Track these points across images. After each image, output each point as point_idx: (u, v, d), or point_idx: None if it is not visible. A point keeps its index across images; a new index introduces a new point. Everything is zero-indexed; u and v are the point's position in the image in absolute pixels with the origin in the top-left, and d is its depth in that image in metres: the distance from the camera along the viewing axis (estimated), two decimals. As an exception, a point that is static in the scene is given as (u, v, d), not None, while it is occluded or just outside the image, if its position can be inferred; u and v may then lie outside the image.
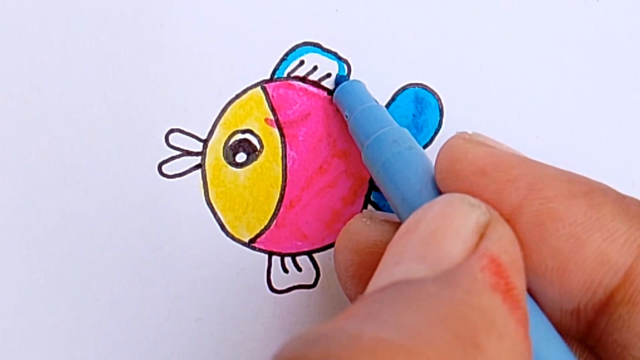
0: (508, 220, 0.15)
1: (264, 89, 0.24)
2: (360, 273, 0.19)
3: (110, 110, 0.24)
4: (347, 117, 0.23)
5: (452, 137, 0.17)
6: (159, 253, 0.24)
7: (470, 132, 0.18)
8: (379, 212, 0.21)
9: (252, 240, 0.24)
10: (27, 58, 0.23)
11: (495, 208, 0.15)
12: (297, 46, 0.24)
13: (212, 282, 0.24)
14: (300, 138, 0.24)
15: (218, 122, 0.24)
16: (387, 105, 0.24)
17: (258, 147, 0.24)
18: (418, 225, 0.15)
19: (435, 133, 0.24)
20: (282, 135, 0.24)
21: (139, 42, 0.23)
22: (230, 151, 0.24)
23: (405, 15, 0.24)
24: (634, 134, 0.25)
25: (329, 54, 0.24)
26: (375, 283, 0.14)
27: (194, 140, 0.24)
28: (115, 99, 0.23)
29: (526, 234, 0.15)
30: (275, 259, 0.24)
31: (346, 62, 0.24)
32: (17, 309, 0.24)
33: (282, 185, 0.24)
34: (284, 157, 0.24)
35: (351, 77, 0.24)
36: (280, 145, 0.24)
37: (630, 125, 0.25)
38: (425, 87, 0.24)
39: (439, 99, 0.24)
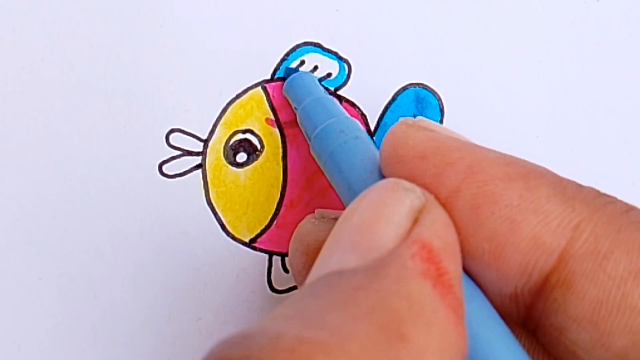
0: (446, 204, 0.15)
1: (265, 89, 0.24)
2: None
3: (111, 110, 0.24)
4: (295, 109, 0.23)
5: (396, 124, 0.17)
6: (160, 253, 0.24)
7: (417, 118, 0.18)
8: (330, 210, 0.20)
9: (253, 240, 0.24)
10: (27, 57, 0.23)
11: (434, 192, 0.15)
12: (298, 46, 0.24)
13: (213, 282, 0.24)
14: (301, 138, 0.24)
15: (219, 122, 0.24)
16: (388, 105, 0.24)
17: (259, 147, 0.24)
18: (353, 214, 0.15)
19: (436, 133, 0.24)
20: (282, 135, 0.24)
21: (139, 41, 0.23)
22: (231, 151, 0.24)
23: (405, 15, 0.24)
24: (635, 134, 0.25)
25: (330, 54, 0.24)
26: (311, 276, 0.14)
27: (194, 140, 0.24)
28: (116, 98, 0.23)
29: (463, 217, 0.15)
30: (276, 259, 0.24)
31: (346, 61, 0.24)
32: (17, 309, 0.24)
33: (282, 185, 0.24)
34: (285, 157, 0.24)
35: (351, 77, 0.24)
36: (280, 145, 0.24)
37: (631, 125, 0.25)
38: (425, 87, 0.24)
39: (439, 99, 0.24)
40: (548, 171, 0.15)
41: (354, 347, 0.11)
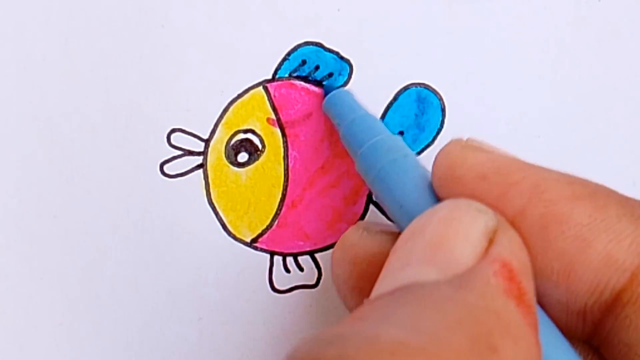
0: (512, 225, 0.15)
1: (266, 89, 0.24)
2: (360, 285, 0.19)
3: (112, 110, 0.24)
4: (338, 125, 0.23)
5: (449, 144, 0.17)
6: (161, 253, 0.24)
7: (465, 137, 0.18)
8: (375, 222, 0.21)
9: (254, 240, 0.24)
10: (28, 57, 0.23)
11: (499, 213, 0.15)
12: (299, 46, 0.24)
13: (214, 282, 0.24)
14: (302, 138, 0.24)
15: (220, 121, 0.24)
16: (389, 105, 0.24)
17: (260, 146, 0.24)
18: (424, 230, 0.15)
19: (438, 133, 0.24)
20: (283, 135, 0.24)
21: (140, 41, 0.23)
22: (232, 151, 0.24)
23: (407, 15, 0.24)
24: (636, 133, 0.25)
25: (331, 54, 0.24)
26: (381, 287, 0.14)
27: (195, 140, 0.24)
28: (117, 98, 0.23)
29: (531, 237, 0.15)
30: (277, 259, 0.24)
31: (348, 61, 0.24)
32: (18, 308, 0.24)
33: (284, 185, 0.24)
34: (286, 156, 0.24)
35: (353, 77, 0.24)
36: (282, 145, 0.24)
37: (632, 125, 0.25)
38: (427, 87, 0.24)
39: (441, 99, 0.24)
40: (614, 191, 0.16)
41: (451, 355, 0.12)
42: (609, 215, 0.15)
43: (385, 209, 0.19)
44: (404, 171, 0.18)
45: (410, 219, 0.16)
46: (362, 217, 0.24)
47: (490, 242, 0.14)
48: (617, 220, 0.15)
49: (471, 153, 0.17)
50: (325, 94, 0.24)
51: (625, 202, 0.15)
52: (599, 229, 0.15)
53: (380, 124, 0.22)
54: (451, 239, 0.14)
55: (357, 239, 0.19)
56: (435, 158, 0.17)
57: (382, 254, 0.18)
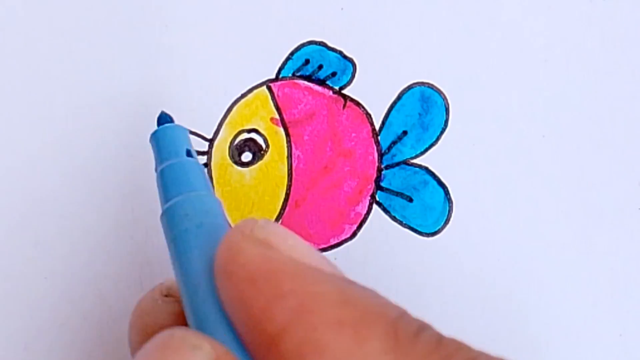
0: (272, 344, 0.13)
1: (270, 88, 0.24)
2: None
3: (116, 110, 0.24)
4: (155, 169, 0.20)
5: (233, 229, 0.15)
6: (165, 252, 0.24)
7: (259, 222, 0.15)
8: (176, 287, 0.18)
9: (258, 240, 0.24)
10: (31, 57, 0.23)
11: (263, 327, 0.14)
12: (302, 45, 0.24)
13: (218, 282, 0.24)
14: (306, 137, 0.24)
15: (224, 121, 0.24)
16: (393, 104, 0.24)
17: (263, 146, 0.24)
18: None
19: (442, 132, 0.24)
20: (287, 134, 0.24)
21: (144, 42, 0.23)
22: (236, 151, 0.24)
23: (410, 14, 0.24)
24: (641, 133, 0.25)
25: (334, 53, 0.24)
26: None
27: (199, 139, 0.24)
28: (121, 98, 0.23)
29: None
30: (281, 259, 0.24)
31: (351, 60, 0.24)
32: (23, 308, 0.24)
33: (287, 185, 0.24)
34: (290, 156, 0.24)
35: (356, 76, 0.24)
36: (285, 144, 0.24)
37: (637, 124, 0.25)
38: (431, 86, 0.24)
39: (444, 98, 0.24)
40: (386, 312, 0.14)
41: None
42: (367, 352, 0.13)
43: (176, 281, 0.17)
44: (193, 247, 0.16)
45: (190, 306, 0.15)
46: (366, 217, 0.24)
47: None
48: (374, 358, 0.13)
49: (248, 247, 0.14)
50: (158, 124, 0.21)
51: (391, 332, 0.13)
52: None
53: (197, 177, 0.18)
54: None
55: (149, 307, 0.18)
56: (221, 241, 0.15)
57: (174, 323, 0.17)
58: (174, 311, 0.17)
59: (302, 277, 0.14)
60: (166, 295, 0.18)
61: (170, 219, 0.17)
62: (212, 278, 0.15)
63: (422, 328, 0.13)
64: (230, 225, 0.16)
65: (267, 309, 0.13)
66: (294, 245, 0.15)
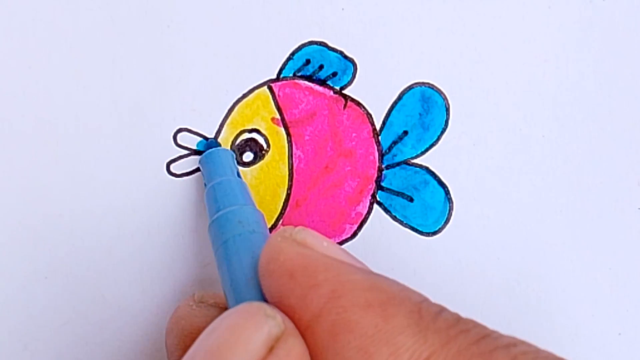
0: (308, 328, 0.15)
1: (271, 88, 0.24)
2: None
3: (119, 110, 0.24)
4: (205, 185, 0.22)
5: (275, 234, 0.17)
6: (167, 251, 0.24)
7: (297, 228, 0.17)
8: (211, 294, 0.21)
9: (259, 240, 0.24)
10: (34, 58, 0.23)
11: (299, 314, 0.15)
12: (303, 45, 0.24)
13: (218, 281, 0.24)
14: (307, 137, 0.24)
15: (225, 121, 0.24)
16: (394, 104, 0.24)
17: (265, 146, 0.24)
18: (210, 336, 0.15)
19: (442, 132, 0.24)
20: (288, 134, 0.24)
21: (146, 42, 0.23)
22: (237, 150, 0.24)
23: (411, 14, 0.24)
24: None
25: (335, 53, 0.24)
26: None
27: (201, 139, 0.24)
28: (123, 98, 0.23)
29: (323, 344, 0.15)
30: (282, 258, 0.24)
31: (352, 60, 0.24)
32: (23, 307, 0.24)
33: (288, 185, 0.24)
34: (290, 156, 0.24)
35: (357, 76, 0.24)
36: (286, 144, 0.24)
37: (637, 124, 0.25)
38: (431, 86, 0.24)
39: (445, 98, 0.24)
40: (410, 296, 0.15)
41: None
42: (394, 327, 0.14)
43: (222, 283, 0.18)
44: (246, 249, 0.18)
45: (237, 301, 0.16)
46: (366, 216, 0.24)
47: (270, 350, 0.14)
48: (399, 332, 0.14)
49: (286, 247, 0.16)
50: (206, 149, 0.23)
51: (415, 311, 0.15)
52: (381, 341, 0.14)
53: (244, 194, 0.21)
54: (231, 347, 0.14)
55: (185, 312, 0.20)
56: (264, 246, 0.17)
57: (208, 325, 0.18)
58: (208, 314, 0.19)
59: (335, 269, 0.15)
60: (200, 302, 0.20)
61: (223, 224, 0.19)
62: (257, 276, 0.17)
63: (443, 309, 0.15)
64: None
65: (303, 296, 0.15)
66: (327, 246, 0.17)
